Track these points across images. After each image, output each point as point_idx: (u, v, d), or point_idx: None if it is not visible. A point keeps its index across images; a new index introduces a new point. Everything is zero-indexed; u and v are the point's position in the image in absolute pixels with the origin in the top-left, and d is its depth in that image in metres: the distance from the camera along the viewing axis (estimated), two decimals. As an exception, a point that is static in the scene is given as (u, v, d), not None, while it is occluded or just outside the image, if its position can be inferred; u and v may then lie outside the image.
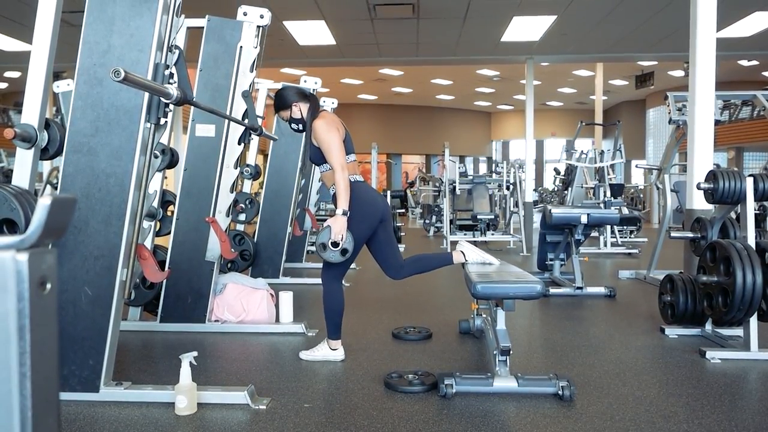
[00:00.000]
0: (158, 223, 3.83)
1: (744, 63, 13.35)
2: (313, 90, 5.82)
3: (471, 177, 9.98)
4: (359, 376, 2.77)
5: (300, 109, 2.92)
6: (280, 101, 2.95)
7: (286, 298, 3.76)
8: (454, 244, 8.35)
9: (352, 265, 2.86)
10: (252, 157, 6.02)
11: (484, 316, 3.40)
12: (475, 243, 8.77)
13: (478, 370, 2.83)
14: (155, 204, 3.63)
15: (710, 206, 3.95)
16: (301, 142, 5.74)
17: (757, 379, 2.80)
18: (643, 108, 19.00)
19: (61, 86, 5.22)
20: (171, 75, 2.45)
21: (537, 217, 9.07)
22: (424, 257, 3.16)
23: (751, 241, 3.07)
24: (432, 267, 3.13)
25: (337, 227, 2.73)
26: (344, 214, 2.74)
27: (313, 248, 7.89)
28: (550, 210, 4.97)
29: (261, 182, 6.79)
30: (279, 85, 5.90)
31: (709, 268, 3.18)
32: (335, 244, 2.74)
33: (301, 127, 2.95)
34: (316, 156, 2.86)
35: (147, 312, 3.82)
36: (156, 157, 2.92)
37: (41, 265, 0.55)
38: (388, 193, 9.06)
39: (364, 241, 2.91)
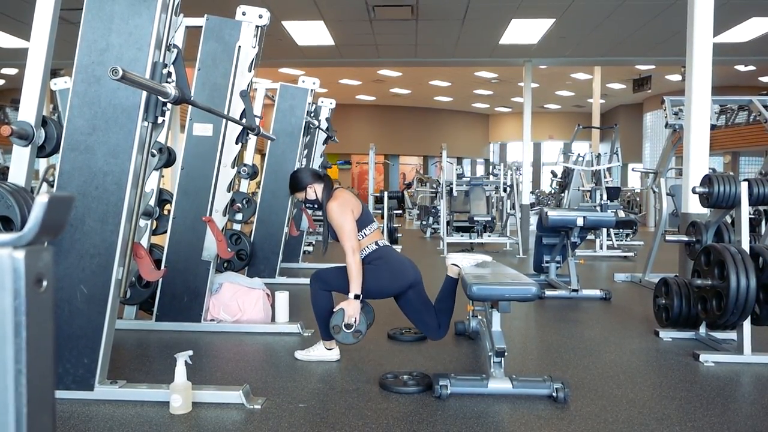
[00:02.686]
0: (155, 222, 3.83)
1: (741, 68, 13.40)
2: (312, 90, 5.84)
3: (468, 179, 9.98)
4: (354, 377, 2.78)
5: (315, 191, 2.98)
6: (295, 184, 3.02)
7: (282, 298, 3.76)
8: (450, 246, 8.37)
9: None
10: (249, 157, 6.02)
11: (480, 317, 3.41)
12: (471, 245, 8.76)
13: (473, 372, 2.83)
14: (152, 203, 3.63)
15: (706, 210, 3.96)
16: (299, 143, 5.77)
17: (749, 383, 2.81)
18: (640, 112, 19.04)
19: (59, 84, 5.22)
20: (169, 74, 2.46)
21: (534, 220, 9.09)
22: (441, 301, 3.06)
23: (746, 245, 3.09)
24: (452, 299, 3.06)
25: (350, 311, 2.77)
26: (356, 297, 2.77)
27: (310, 248, 7.92)
28: (547, 212, 4.99)
29: (258, 182, 6.79)
30: (277, 85, 5.94)
31: (704, 272, 3.19)
32: (348, 326, 2.78)
33: (317, 206, 3.02)
34: (335, 235, 2.91)
35: (143, 311, 3.81)
36: (153, 155, 2.92)
37: (38, 263, 0.55)
38: (385, 194, 9.03)
39: (381, 297, 2.93)
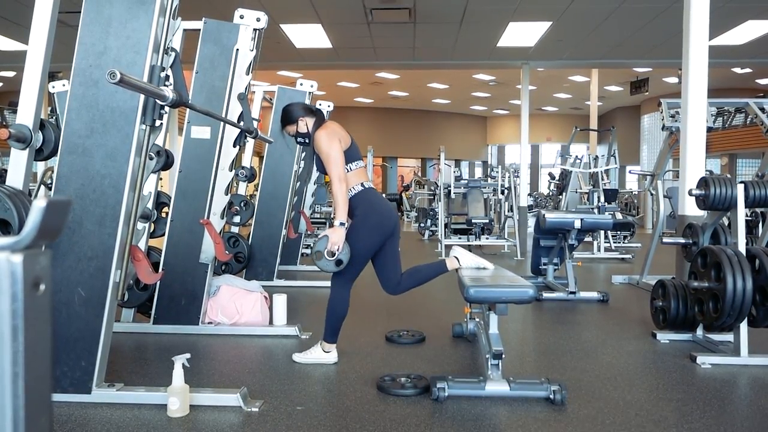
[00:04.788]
0: (152, 225, 3.83)
1: (738, 70, 13.45)
2: (310, 93, 5.84)
3: (466, 181, 9.99)
4: (352, 379, 2.78)
5: (306, 123, 2.96)
6: (287, 116, 2.99)
7: (280, 301, 3.76)
8: (449, 248, 8.38)
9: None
10: (247, 160, 6.02)
11: (477, 320, 3.41)
12: (469, 247, 8.78)
13: (471, 374, 2.84)
14: (150, 205, 3.63)
15: (702, 212, 3.97)
16: (297, 145, 5.75)
17: (746, 385, 2.82)
18: (637, 114, 19.09)
19: (57, 87, 5.22)
20: (167, 77, 2.46)
21: (531, 222, 9.10)
22: (420, 269, 3.07)
23: (742, 247, 3.10)
24: (428, 278, 3.06)
25: (335, 238, 2.74)
26: (341, 225, 2.76)
27: (308, 251, 7.92)
28: (545, 215, 4.99)
29: (256, 184, 6.79)
30: (275, 88, 5.94)
31: (701, 274, 3.20)
32: (331, 254, 2.76)
33: (307, 140, 2.99)
34: (321, 165, 2.89)
35: (140, 313, 3.81)
36: (151, 158, 2.93)
37: (35, 267, 0.55)
38: (383, 196, 9.03)
39: (373, 250, 2.90)
